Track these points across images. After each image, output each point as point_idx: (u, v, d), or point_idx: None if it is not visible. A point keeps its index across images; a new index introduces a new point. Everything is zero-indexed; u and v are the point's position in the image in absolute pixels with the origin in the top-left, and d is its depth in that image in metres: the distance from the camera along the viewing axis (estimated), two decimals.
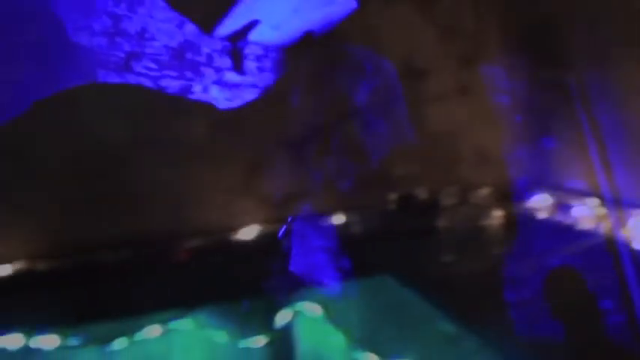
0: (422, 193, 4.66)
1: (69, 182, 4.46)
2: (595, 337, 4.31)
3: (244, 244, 4.64)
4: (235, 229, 4.59)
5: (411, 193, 4.66)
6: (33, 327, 4.42)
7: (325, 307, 4.70)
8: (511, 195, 4.57)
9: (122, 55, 4.38)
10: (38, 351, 4.46)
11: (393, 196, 4.69)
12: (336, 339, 4.66)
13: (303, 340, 4.72)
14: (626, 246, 4.27)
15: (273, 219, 4.64)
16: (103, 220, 4.51)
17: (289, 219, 4.49)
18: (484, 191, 4.59)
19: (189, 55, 4.57)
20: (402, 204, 4.63)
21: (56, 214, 4.46)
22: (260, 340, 4.66)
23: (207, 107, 4.56)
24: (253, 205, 4.63)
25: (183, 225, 4.54)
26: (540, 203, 4.58)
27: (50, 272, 4.51)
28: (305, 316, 4.68)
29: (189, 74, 4.57)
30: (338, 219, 4.73)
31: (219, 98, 4.64)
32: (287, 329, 4.69)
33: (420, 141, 4.60)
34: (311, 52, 4.68)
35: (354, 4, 4.53)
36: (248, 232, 4.67)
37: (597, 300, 4.37)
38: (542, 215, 4.56)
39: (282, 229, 4.44)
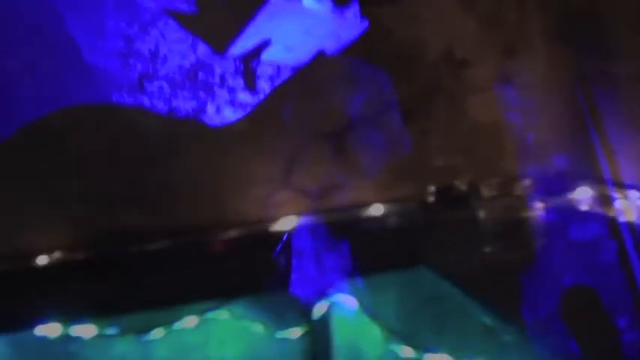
0: (462, 185, 4.63)
1: (107, 173, 4.48)
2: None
3: (282, 236, 4.64)
4: (273, 220, 4.58)
5: (451, 184, 4.63)
6: (70, 316, 4.47)
7: (361, 300, 4.71)
8: (553, 187, 4.52)
9: (135, 75, 4.41)
10: (76, 339, 4.52)
11: (432, 188, 4.67)
12: (372, 331, 4.64)
13: (339, 333, 4.68)
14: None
15: (312, 210, 4.63)
16: (141, 211, 4.53)
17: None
18: (525, 183, 4.54)
19: (201, 76, 4.58)
20: (441, 196, 4.59)
21: (94, 204, 4.49)
22: (296, 332, 4.67)
23: None
24: (292, 197, 4.62)
25: (221, 216, 4.54)
26: (582, 195, 4.53)
27: (88, 262, 4.54)
28: (341, 309, 4.65)
29: (202, 94, 4.58)
30: (376, 210, 4.72)
31: (233, 118, 4.65)
32: (323, 321, 4.68)
33: (461, 132, 4.57)
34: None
35: (365, 25, 4.50)
36: (286, 224, 4.66)
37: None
38: (583, 208, 4.51)
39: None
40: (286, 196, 4.60)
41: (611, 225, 4.42)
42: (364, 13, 4.53)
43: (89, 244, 4.52)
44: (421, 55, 4.64)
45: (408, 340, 4.58)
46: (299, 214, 4.62)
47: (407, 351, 4.61)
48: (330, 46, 4.64)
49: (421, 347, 4.59)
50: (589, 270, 4.40)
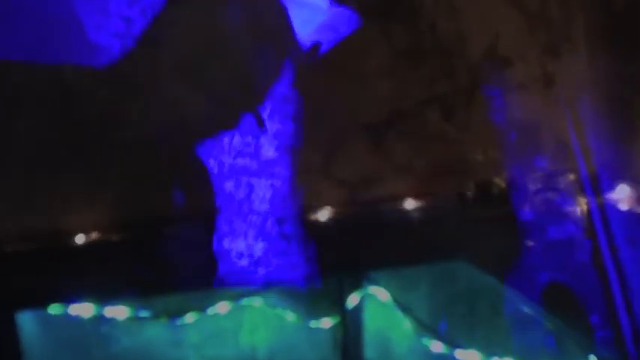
0: (500, 181, 4.65)
1: (146, 155, 4.51)
2: None
3: (318, 226, 4.66)
4: (309, 210, 4.61)
5: (490, 180, 4.66)
6: (104, 297, 4.50)
7: (393, 293, 4.65)
8: (592, 185, 4.55)
9: None
10: (109, 321, 4.54)
11: (470, 184, 4.69)
12: (404, 325, 4.62)
13: (371, 324, 4.68)
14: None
15: (349, 202, 4.66)
16: (178, 194, 4.56)
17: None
18: (565, 181, 4.56)
19: None
20: (479, 191, 4.62)
21: (131, 186, 4.52)
22: (327, 322, 4.66)
23: None
24: (329, 188, 4.64)
25: None
26: (621, 194, 4.54)
27: (123, 243, 4.58)
28: (373, 300, 4.64)
29: None
30: (410, 204, 4.74)
31: None
32: (355, 312, 4.67)
33: (501, 128, 4.59)
34: None
35: (359, 23, 4.52)
36: (322, 214, 4.69)
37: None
38: (623, 207, 4.53)
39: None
40: (324, 187, 4.63)
41: None
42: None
43: (126, 225, 4.57)
44: (463, 50, 4.67)
45: (439, 335, 4.57)
46: (336, 205, 4.65)
47: (437, 346, 4.64)
48: (327, 38, 4.68)
49: (451, 343, 4.58)
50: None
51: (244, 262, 4.54)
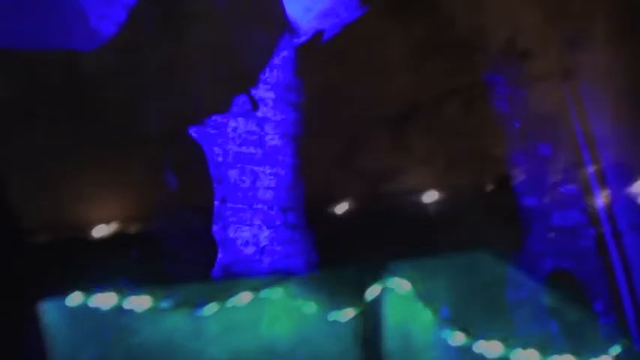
0: (517, 174, 4.68)
1: (162, 149, 4.55)
2: None
3: (337, 218, 4.68)
4: (331, 202, 4.62)
5: (507, 173, 4.68)
6: (125, 287, 4.50)
7: (414, 284, 4.66)
8: (614, 178, 4.58)
9: None
10: (129, 312, 4.54)
11: (490, 176, 4.71)
12: (424, 316, 4.60)
13: (391, 316, 4.65)
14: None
15: (368, 194, 4.69)
16: (193, 186, 4.59)
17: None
18: (585, 173, 4.59)
19: None
20: (497, 184, 4.64)
21: (150, 178, 4.55)
22: (349, 313, 4.62)
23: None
24: (350, 179, 4.67)
25: None
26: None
27: (142, 234, 4.59)
28: (394, 292, 4.61)
29: None
30: (430, 196, 4.77)
31: None
32: (376, 304, 4.66)
33: (518, 121, 4.63)
34: None
35: (363, 10, 4.57)
36: (341, 206, 4.71)
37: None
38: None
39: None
40: (345, 179, 4.66)
41: None
42: None
43: (144, 217, 4.58)
44: (482, 44, 4.71)
45: (460, 326, 4.53)
46: (357, 196, 4.68)
47: (458, 337, 4.59)
48: (330, 23, 4.71)
49: (472, 333, 4.56)
50: None
51: (250, 250, 4.57)
